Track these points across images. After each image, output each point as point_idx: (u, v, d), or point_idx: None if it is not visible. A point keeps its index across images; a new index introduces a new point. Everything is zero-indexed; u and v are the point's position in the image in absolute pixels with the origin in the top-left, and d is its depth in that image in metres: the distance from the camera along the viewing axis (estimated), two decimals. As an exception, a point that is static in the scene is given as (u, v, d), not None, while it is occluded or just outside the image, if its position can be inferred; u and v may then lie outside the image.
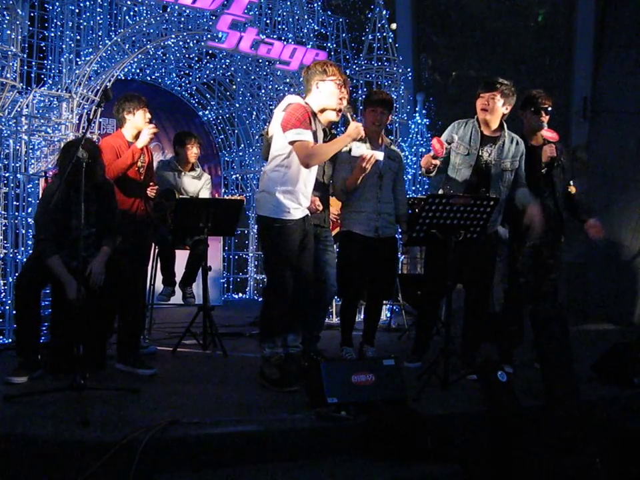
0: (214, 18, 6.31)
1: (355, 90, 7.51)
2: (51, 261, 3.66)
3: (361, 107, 6.91)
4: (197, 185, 5.54)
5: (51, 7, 5.90)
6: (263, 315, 3.74)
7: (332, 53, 7.71)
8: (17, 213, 4.88)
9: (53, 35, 5.83)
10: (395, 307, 6.67)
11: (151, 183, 4.67)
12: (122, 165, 4.35)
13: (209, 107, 8.28)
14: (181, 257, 5.55)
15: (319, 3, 7.74)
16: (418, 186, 8.43)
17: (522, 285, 4.31)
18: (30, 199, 4.98)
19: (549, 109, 4.27)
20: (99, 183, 3.79)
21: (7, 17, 4.81)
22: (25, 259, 4.63)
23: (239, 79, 7.71)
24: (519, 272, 4.32)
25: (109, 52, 5.76)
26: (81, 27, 5.78)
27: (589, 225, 4.36)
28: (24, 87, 5.34)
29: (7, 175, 4.89)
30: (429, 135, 8.59)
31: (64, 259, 3.68)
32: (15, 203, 4.87)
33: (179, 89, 8.07)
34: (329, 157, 3.72)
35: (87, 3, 5.87)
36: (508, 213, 4.28)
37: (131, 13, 6.33)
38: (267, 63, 6.99)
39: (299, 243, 3.64)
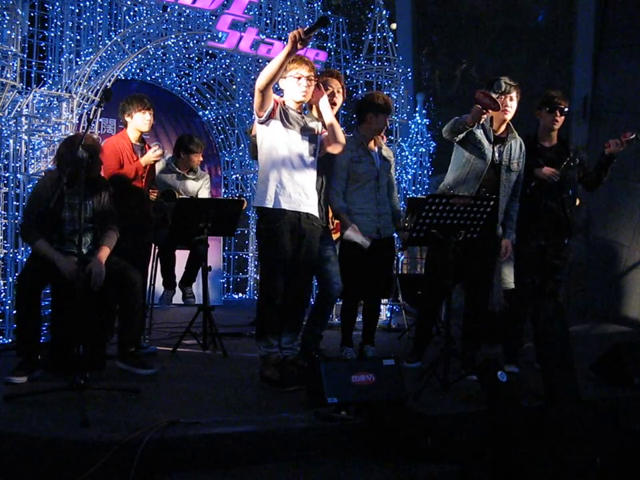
0: (214, 18, 6.30)
1: (355, 90, 7.51)
2: (37, 245, 3.68)
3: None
4: (195, 185, 5.54)
5: (50, 7, 5.90)
6: (257, 313, 3.77)
7: (332, 53, 7.71)
8: (16, 213, 4.88)
9: (53, 34, 5.83)
10: (394, 307, 6.67)
11: (153, 186, 4.67)
12: (123, 177, 4.38)
13: (208, 107, 8.28)
14: (181, 257, 5.55)
15: (319, 3, 7.73)
16: (418, 186, 8.43)
17: (527, 284, 4.31)
18: (30, 199, 4.99)
19: (565, 109, 4.29)
20: (94, 179, 3.80)
21: (7, 17, 4.82)
22: (25, 259, 4.63)
23: (239, 79, 7.71)
24: (524, 271, 4.32)
25: (109, 52, 5.76)
26: (81, 27, 5.78)
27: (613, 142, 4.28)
28: (24, 86, 5.34)
29: (6, 175, 4.90)
30: (429, 135, 8.59)
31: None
32: (15, 202, 4.87)
33: (178, 88, 8.07)
34: (274, 70, 3.47)
35: (87, 3, 5.87)
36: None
37: (131, 13, 6.33)
38: (267, 63, 6.97)
39: (288, 236, 3.62)
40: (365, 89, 7.51)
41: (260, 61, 6.97)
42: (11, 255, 4.78)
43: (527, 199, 4.28)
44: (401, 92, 7.62)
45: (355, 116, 4.54)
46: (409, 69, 8.27)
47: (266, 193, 3.63)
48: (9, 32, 4.79)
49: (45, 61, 5.95)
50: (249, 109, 8.00)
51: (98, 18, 5.96)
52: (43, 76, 5.94)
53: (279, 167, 3.61)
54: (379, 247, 4.33)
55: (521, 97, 4.16)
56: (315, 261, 3.86)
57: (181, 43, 6.73)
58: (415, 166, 8.49)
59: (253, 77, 7.39)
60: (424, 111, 8.78)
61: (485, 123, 4.11)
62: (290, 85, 3.68)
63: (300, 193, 3.66)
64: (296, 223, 3.65)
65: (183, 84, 8.01)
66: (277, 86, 3.80)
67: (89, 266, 3.65)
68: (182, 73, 7.84)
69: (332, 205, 4.27)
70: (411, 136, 8.59)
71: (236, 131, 8.34)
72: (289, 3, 7.38)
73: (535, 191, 4.27)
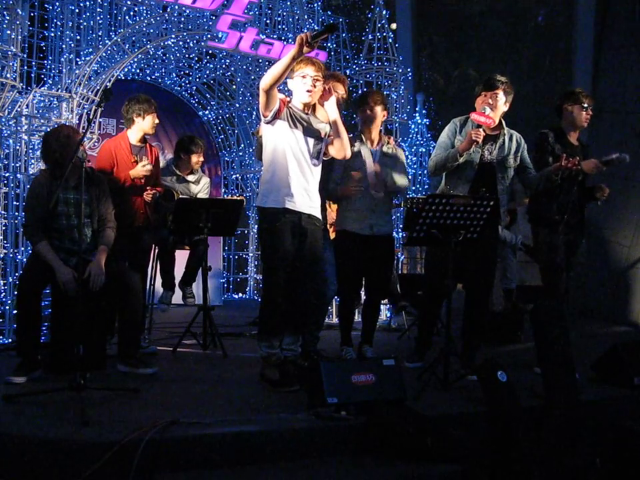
0: (214, 18, 6.31)
1: (355, 90, 7.51)
2: (39, 247, 3.68)
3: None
4: (195, 189, 5.53)
5: (50, 7, 5.89)
6: (259, 314, 3.78)
7: (332, 53, 7.71)
8: (16, 213, 4.88)
9: (53, 34, 5.82)
10: (395, 307, 6.66)
11: (157, 189, 4.66)
12: (113, 179, 4.38)
13: (208, 107, 8.28)
14: (181, 257, 5.55)
15: (319, 3, 7.72)
16: (418, 186, 8.43)
17: (563, 279, 4.27)
18: (30, 199, 4.98)
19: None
20: (88, 173, 3.78)
21: (7, 17, 4.81)
22: (25, 259, 4.63)
23: (238, 79, 7.71)
24: (559, 268, 4.28)
25: (108, 52, 5.76)
26: (81, 27, 5.77)
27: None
28: (24, 86, 5.33)
29: (7, 175, 4.90)
30: (429, 135, 8.59)
31: (60, 255, 3.69)
32: (15, 203, 4.87)
33: (179, 88, 8.07)
34: (279, 71, 3.39)
35: (87, 3, 5.86)
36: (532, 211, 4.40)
37: (131, 13, 6.32)
38: (267, 63, 6.99)
39: (289, 235, 3.60)
40: (365, 89, 7.51)
41: (260, 61, 6.98)
42: (11, 255, 4.78)
43: (555, 194, 4.25)
44: (400, 92, 7.62)
45: (354, 116, 4.53)
46: (409, 69, 8.26)
47: (269, 193, 3.62)
48: (8, 32, 4.79)
49: (45, 61, 5.94)
50: (248, 109, 8.01)
51: (98, 18, 5.95)
52: (42, 76, 5.93)
53: (282, 167, 3.60)
54: (373, 244, 4.32)
55: (516, 94, 4.16)
56: (318, 262, 3.86)
57: (181, 43, 6.73)
58: (415, 166, 8.50)
59: (252, 77, 7.40)
60: (424, 111, 8.78)
61: (468, 125, 4.10)
62: (296, 84, 3.67)
63: (302, 194, 3.64)
64: (297, 222, 3.63)
65: (183, 84, 8.01)
66: (285, 87, 3.79)
67: (89, 268, 3.65)
68: (182, 72, 7.85)
69: (328, 193, 4.27)
70: (410, 136, 8.59)
71: (236, 131, 8.34)
72: (289, 3, 7.38)
73: (567, 188, 4.25)
